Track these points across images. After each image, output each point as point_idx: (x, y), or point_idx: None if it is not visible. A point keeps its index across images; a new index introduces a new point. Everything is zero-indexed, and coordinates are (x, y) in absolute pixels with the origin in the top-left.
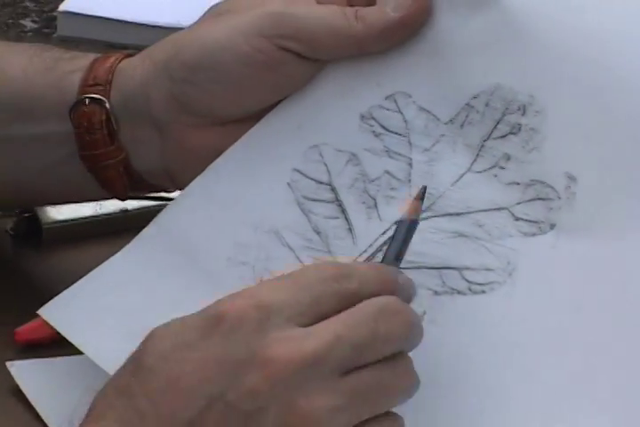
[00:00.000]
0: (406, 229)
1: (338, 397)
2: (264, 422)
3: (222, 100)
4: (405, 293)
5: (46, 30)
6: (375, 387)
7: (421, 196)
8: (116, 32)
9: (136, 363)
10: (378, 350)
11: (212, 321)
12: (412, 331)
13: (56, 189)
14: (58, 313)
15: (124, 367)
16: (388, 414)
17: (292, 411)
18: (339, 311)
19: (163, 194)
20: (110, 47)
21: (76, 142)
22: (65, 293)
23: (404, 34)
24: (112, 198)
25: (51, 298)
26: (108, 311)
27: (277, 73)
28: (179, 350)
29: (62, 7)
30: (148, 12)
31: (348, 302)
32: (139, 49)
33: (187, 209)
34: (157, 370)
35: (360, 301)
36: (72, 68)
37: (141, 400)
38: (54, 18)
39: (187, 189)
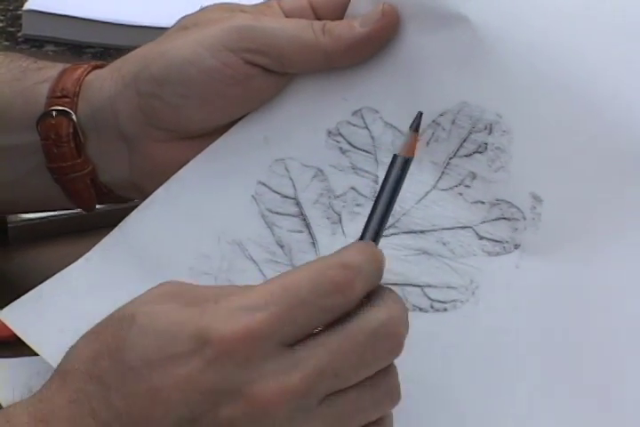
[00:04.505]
0: (401, 166)
1: (317, 425)
2: None
3: (189, 114)
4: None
5: (11, 29)
6: (352, 408)
7: (417, 125)
8: (82, 31)
9: (116, 354)
10: (361, 376)
11: (198, 343)
12: (399, 352)
13: (24, 199)
14: (17, 316)
15: (99, 350)
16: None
17: None
18: (331, 323)
19: None
20: (76, 46)
21: (43, 154)
22: (26, 296)
23: (372, 48)
24: (80, 209)
25: (17, 296)
26: (68, 316)
27: (244, 87)
28: (163, 359)
29: (27, 6)
30: (113, 10)
31: (345, 311)
32: (104, 47)
33: (150, 217)
34: (139, 374)
35: (358, 301)
36: (40, 78)
37: (117, 397)
38: (20, 16)
39: (151, 197)
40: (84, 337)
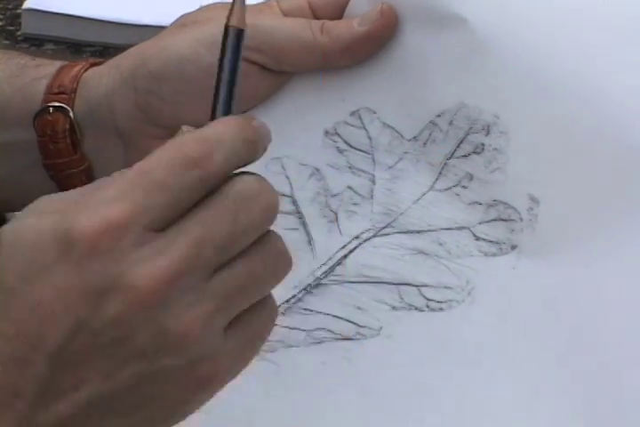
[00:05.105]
0: (236, 37)
1: (208, 302)
2: (134, 348)
3: (186, 111)
4: (266, 139)
5: (11, 27)
6: (245, 279)
7: None
8: (81, 30)
9: None
10: (242, 242)
11: (63, 246)
12: (273, 210)
13: (19, 196)
14: None
15: None
16: (263, 301)
17: (163, 334)
18: (201, 199)
19: None
20: (75, 45)
21: (39, 151)
22: None
23: (370, 48)
24: None
25: None
26: None
27: (241, 85)
28: (37, 272)
29: (27, 4)
30: (113, 9)
31: (212, 184)
32: (103, 46)
33: None
34: (18, 293)
35: (225, 176)
36: (38, 75)
37: (5, 324)
38: (19, 15)
39: None
40: None
